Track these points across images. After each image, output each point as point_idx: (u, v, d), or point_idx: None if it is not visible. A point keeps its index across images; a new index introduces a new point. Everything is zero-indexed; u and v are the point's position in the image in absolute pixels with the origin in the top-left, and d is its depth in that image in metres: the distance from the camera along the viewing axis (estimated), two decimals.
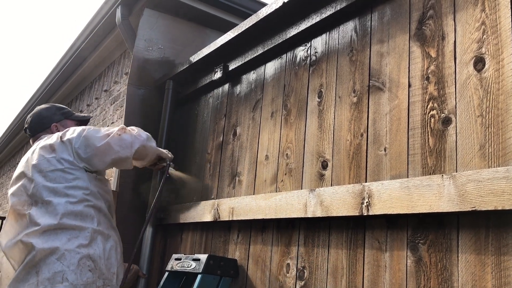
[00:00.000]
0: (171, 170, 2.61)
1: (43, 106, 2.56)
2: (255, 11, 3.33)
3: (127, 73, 4.04)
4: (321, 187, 1.87)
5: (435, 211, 1.37)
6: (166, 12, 3.57)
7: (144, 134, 2.32)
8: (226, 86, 2.79)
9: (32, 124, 2.47)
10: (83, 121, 2.62)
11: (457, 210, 1.31)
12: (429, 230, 1.44)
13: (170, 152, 2.56)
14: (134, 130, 2.30)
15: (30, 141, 2.49)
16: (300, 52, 2.21)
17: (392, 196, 1.51)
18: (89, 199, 2.15)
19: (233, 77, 2.71)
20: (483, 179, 1.26)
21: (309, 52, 2.16)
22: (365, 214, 1.58)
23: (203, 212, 2.55)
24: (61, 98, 6.00)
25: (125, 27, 3.58)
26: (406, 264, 1.48)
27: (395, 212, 1.48)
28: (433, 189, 1.38)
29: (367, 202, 1.59)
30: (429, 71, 1.56)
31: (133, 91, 3.39)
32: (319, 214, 1.78)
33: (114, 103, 4.31)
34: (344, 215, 1.66)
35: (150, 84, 3.44)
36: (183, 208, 2.78)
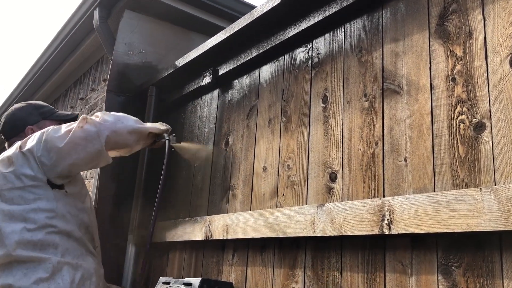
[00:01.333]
0: (174, 144, 2.25)
1: (18, 105, 2.20)
2: (243, 14, 3.15)
3: (105, 80, 3.79)
4: (330, 201, 1.68)
5: (474, 230, 1.19)
6: (148, 15, 3.35)
7: (110, 117, 1.93)
8: (216, 92, 2.59)
9: (6, 128, 2.13)
10: (68, 121, 2.20)
11: (502, 229, 1.13)
12: (464, 251, 1.27)
13: (164, 124, 2.16)
14: (98, 116, 1.91)
15: (6, 145, 2.15)
16: (300, 53, 2.03)
17: (419, 212, 1.33)
18: (53, 224, 1.79)
19: (224, 82, 2.51)
20: None
21: (310, 53, 1.98)
22: (387, 233, 1.40)
23: (192, 230, 2.33)
24: None
25: (103, 30, 3.34)
26: None
27: (423, 231, 1.30)
28: (470, 204, 1.21)
29: (388, 220, 1.40)
30: (455, 72, 1.39)
31: (112, 98, 3.15)
32: (330, 232, 1.58)
33: (91, 111, 4.05)
34: (360, 234, 1.48)
35: (131, 91, 3.21)
36: (169, 225, 2.55)
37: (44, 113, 2.15)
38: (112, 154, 2.01)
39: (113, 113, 1.94)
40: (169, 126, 2.11)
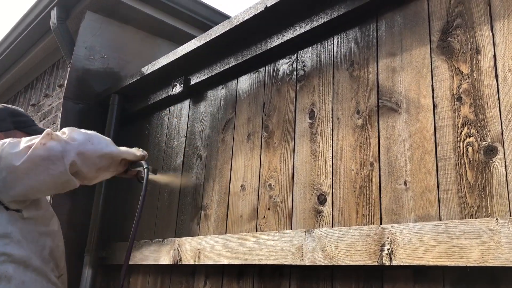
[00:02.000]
0: (151, 176, 1.87)
1: None
2: (216, 23, 3.00)
3: (61, 85, 3.51)
4: (320, 226, 1.54)
5: (490, 264, 1.08)
6: (112, 17, 3.13)
7: (79, 135, 1.57)
8: (187, 103, 2.41)
9: None
10: None
11: None
12: (475, 287, 1.16)
13: (140, 149, 1.80)
14: (65, 132, 1.57)
15: None
16: (284, 65, 1.90)
17: (424, 243, 1.21)
18: (6, 252, 1.48)
19: (196, 92, 2.34)
20: None
21: (295, 65, 1.85)
22: (387, 264, 1.27)
23: (158, 253, 2.12)
24: None
25: (61, 32, 3.08)
26: None
27: (430, 264, 1.19)
28: (485, 236, 1.10)
29: (389, 249, 1.28)
30: (461, 90, 1.30)
31: (70, 106, 2.89)
32: (320, 261, 1.44)
33: (44, 119, 3.74)
34: (357, 264, 1.34)
35: (91, 98, 2.96)
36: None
37: (18, 122, 1.82)
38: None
39: (83, 130, 1.59)
40: (146, 153, 1.78)
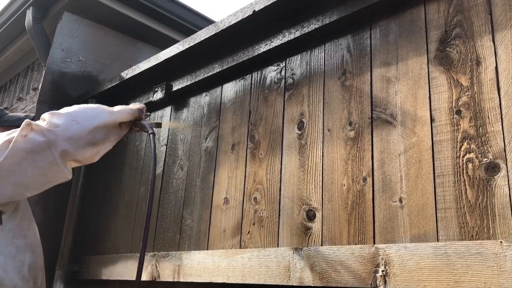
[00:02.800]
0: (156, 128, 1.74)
1: None
2: (200, 28, 2.91)
3: (35, 89, 3.36)
4: (308, 244, 1.45)
5: None
6: (90, 19, 3.00)
7: (60, 119, 1.37)
8: (168, 109, 2.30)
9: None
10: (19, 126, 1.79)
11: None
12: None
13: (137, 104, 1.63)
14: (45, 119, 1.38)
15: None
16: (272, 72, 1.81)
17: (422, 265, 1.13)
18: None
19: (178, 99, 2.24)
20: None
21: (283, 73, 1.77)
22: (381, 287, 1.19)
23: (135, 268, 2.00)
24: None
25: (36, 33, 2.94)
26: None
27: None
28: (488, 260, 1.03)
29: (383, 271, 1.20)
30: (460, 103, 1.23)
31: (44, 111, 2.68)
32: (309, 282, 1.35)
33: None
34: (349, 286, 1.26)
35: (67, 103, 2.77)
36: (106, 260, 2.19)
37: None
38: (72, 164, 1.46)
39: (64, 110, 1.40)
40: (143, 105, 1.60)
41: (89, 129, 1.39)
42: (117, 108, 1.54)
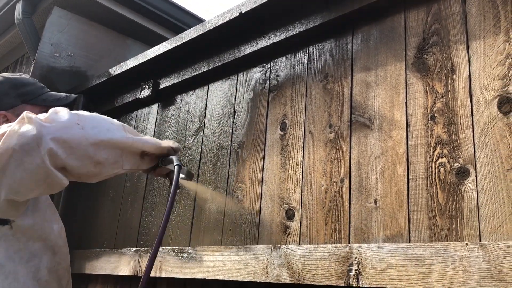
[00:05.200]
0: (183, 181, 1.50)
1: None
2: (189, 26, 2.93)
3: None
4: (286, 243, 1.49)
5: None
6: (80, 14, 3.01)
7: (63, 116, 1.14)
8: (155, 107, 2.33)
9: None
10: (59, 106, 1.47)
11: None
12: None
13: (175, 142, 1.40)
14: (47, 113, 1.14)
15: None
16: (257, 73, 1.85)
17: (393, 265, 1.17)
18: None
19: (165, 97, 2.26)
20: None
21: (268, 74, 1.80)
22: (354, 285, 1.23)
23: (118, 263, 2.03)
24: None
25: (26, 27, 2.95)
26: None
27: (398, 287, 1.15)
28: (454, 261, 1.07)
29: (356, 270, 1.24)
30: (434, 109, 1.27)
31: None
32: (286, 279, 1.39)
33: None
34: (323, 284, 1.29)
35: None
36: (90, 254, 2.21)
37: (24, 94, 1.45)
38: (68, 176, 1.18)
39: (79, 112, 1.18)
40: (177, 145, 1.39)
41: (93, 140, 1.14)
42: (148, 137, 1.32)
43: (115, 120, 1.26)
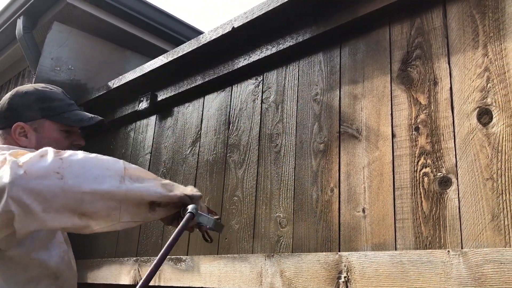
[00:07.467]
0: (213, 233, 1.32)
1: (24, 88, 1.41)
2: (188, 38, 2.99)
3: None
4: (279, 251, 1.53)
5: None
6: (80, 29, 3.08)
7: (44, 160, 0.99)
8: (153, 119, 2.38)
9: None
10: (82, 128, 1.46)
11: None
12: None
13: (193, 188, 1.19)
14: (30, 155, 1.01)
15: None
16: (250, 86, 1.90)
17: (380, 272, 1.22)
18: None
19: (163, 109, 2.32)
20: (507, 261, 1.01)
21: (261, 87, 1.85)
22: None
23: (119, 272, 2.08)
24: None
25: (27, 42, 3.01)
26: None
27: None
28: (437, 267, 1.12)
29: (345, 277, 1.28)
30: (418, 121, 1.32)
31: None
32: (279, 287, 1.43)
33: None
34: None
35: None
36: (92, 264, 2.26)
37: (47, 109, 1.37)
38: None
39: (69, 156, 1.02)
40: (198, 191, 1.19)
41: (72, 191, 0.98)
42: (156, 183, 1.11)
43: (115, 164, 1.08)
